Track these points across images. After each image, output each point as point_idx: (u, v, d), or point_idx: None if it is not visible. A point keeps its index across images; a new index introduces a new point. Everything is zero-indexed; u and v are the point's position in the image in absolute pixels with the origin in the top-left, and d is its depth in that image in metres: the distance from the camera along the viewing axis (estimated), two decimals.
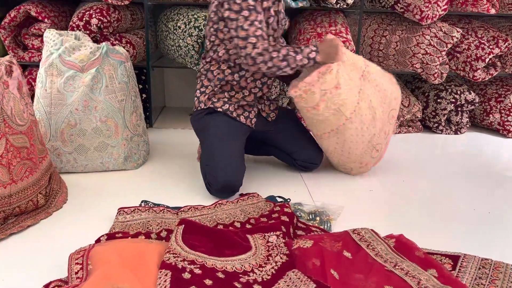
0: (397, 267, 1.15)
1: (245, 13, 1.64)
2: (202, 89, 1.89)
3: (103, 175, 2.01)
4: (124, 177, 2.00)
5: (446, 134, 2.79)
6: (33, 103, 1.93)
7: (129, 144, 2.05)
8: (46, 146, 1.79)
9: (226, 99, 1.86)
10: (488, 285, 1.14)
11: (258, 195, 1.73)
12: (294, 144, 2.02)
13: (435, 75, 2.63)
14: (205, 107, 1.86)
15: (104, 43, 1.96)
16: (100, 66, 1.92)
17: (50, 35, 1.95)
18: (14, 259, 1.32)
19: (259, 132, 1.98)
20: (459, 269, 1.20)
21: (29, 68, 2.60)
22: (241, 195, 1.74)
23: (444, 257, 1.25)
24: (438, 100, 2.76)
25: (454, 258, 1.24)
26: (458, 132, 2.78)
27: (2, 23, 2.41)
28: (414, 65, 2.65)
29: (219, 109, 1.84)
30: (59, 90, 1.89)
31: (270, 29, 1.81)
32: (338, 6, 2.54)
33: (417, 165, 2.26)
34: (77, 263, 1.15)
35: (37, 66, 2.44)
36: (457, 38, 2.59)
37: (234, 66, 1.82)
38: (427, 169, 2.20)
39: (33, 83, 2.46)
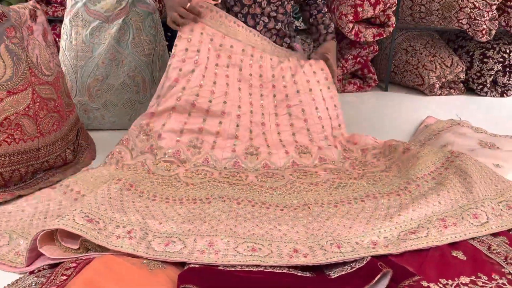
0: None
1: None
2: None
3: None
4: None
5: (491, 96, 2.60)
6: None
7: None
8: (72, 100, 1.71)
9: None
10: None
11: None
12: None
13: (483, 32, 2.42)
14: None
15: None
16: (126, 17, 1.81)
17: None
18: None
19: None
20: None
21: (53, 23, 2.50)
22: None
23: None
24: (484, 60, 2.55)
25: None
26: (505, 95, 2.59)
27: None
28: (460, 21, 2.44)
29: None
30: (84, 41, 1.79)
31: None
32: None
33: None
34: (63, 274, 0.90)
35: (61, 21, 2.34)
36: None
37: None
38: None
39: (57, 39, 2.37)
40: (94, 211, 1.05)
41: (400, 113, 2.34)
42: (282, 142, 1.61)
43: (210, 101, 1.57)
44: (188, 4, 1.55)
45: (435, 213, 1.12)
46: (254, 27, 1.73)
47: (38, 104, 1.37)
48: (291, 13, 1.87)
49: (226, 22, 1.65)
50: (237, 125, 1.59)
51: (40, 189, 1.35)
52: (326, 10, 1.84)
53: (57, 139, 1.48)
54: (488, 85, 2.58)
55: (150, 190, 1.30)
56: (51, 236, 0.99)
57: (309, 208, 1.22)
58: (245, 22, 1.72)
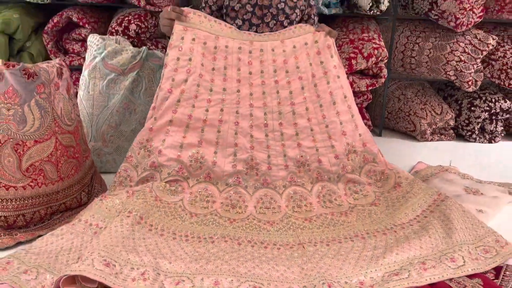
0: None
1: None
2: None
3: None
4: None
5: (479, 142, 2.75)
6: None
7: None
8: (88, 146, 1.85)
9: None
10: None
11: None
12: None
13: (469, 83, 2.61)
14: None
15: (144, 47, 2.03)
16: (140, 70, 1.99)
17: (94, 40, 2.02)
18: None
19: None
20: (503, 278, 1.19)
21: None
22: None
23: None
24: (472, 108, 2.72)
25: (497, 268, 1.23)
26: (492, 141, 2.74)
27: (45, 28, 2.51)
28: (448, 73, 2.63)
29: None
30: (101, 92, 1.96)
31: (229, 9, 1.83)
32: (371, 13, 2.54)
33: None
34: None
35: (77, 70, 2.53)
36: (493, 45, 2.56)
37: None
38: None
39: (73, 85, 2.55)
40: (110, 254, 1.17)
41: (393, 158, 2.45)
42: (284, 149, 1.66)
43: (207, 110, 1.65)
44: (170, 7, 1.67)
45: (417, 256, 1.23)
46: None
47: (59, 151, 1.52)
48: None
49: (216, 25, 1.72)
50: (236, 133, 1.66)
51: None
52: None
53: (75, 182, 1.61)
54: (477, 132, 2.74)
55: (158, 223, 1.42)
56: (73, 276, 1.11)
57: (303, 247, 1.34)
58: None
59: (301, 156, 1.68)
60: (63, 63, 1.59)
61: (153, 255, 1.22)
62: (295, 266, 1.22)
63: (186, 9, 1.71)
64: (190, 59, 1.65)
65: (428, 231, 1.34)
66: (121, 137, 2.01)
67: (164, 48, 2.62)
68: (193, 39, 1.68)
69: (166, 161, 1.61)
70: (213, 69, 1.68)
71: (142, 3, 2.44)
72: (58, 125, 1.51)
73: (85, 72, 2.01)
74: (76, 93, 2.33)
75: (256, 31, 1.86)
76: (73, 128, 1.61)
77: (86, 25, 2.51)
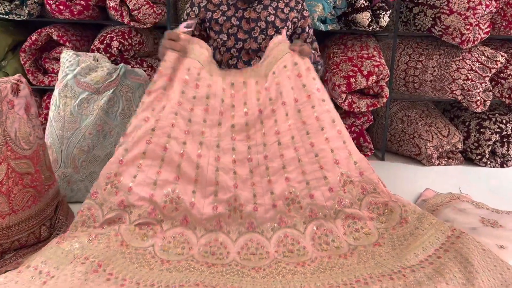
0: None
1: None
2: None
3: None
4: None
5: (490, 167, 2.53)
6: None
7: None
8: (55, 173, 1.65)
9: None
10: None
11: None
12: None
13: (478, 103, 2.42)
14: None
15: (122, 64, 1.85)
16: (117, 88, 1.81)
17: (67, 56, 1.85)
18: None
19: None
20: None
21: (48, 92, 2.52)
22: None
23: None
24: (481, 130, 2.52)
25: None
26: (505, 165, 2.52)
27: (23, 46, 2.35)
28: (454, 92, 2.45)
29: None
30: (72, 113, 1.78)
31: (213, 23, 1.73)
32: (370, 29, 2.38)
33: None
34: None
35: None
36: (502, 63, 2.38)
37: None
38: None
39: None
40: None
41: (397, 184, 2.25)
42: (271, 185, 1.44)
43: (184, 143, 1.44)
44: (182, 35, 1.52)
45: None
46: None
47: (12, 179, 1.31)
48: None
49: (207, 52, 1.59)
50: (217, 169, 1.44)
51: (6, 271, 1.25)
52: (318, 60, 1.80)
53: (31, 215, 1.40)
54: (487, 156, 2.53)
55: (120, 271, 1.19)
56: None
57: None
58: None
59: (290, 192, 1.45)
60: (22, 79, 1.41)
61: None
62: None
63: (195, 39, 1.58)
64: (173, 86, 1.49)
65: (445, 276, 1.11)
66: (95, 162, 1.80)
67: (150, 67, 2.45)
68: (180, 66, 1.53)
69: (137, 200, 1.37)
70: (194, 97, 1.49)
71: (126, 19, 2.29)
72: (10, 149, 1.31)
73: (55, 92, 1.83)
74: (41, 113, 2.15)
75: (242, 47, 1.72)
76: (32, 152, 1.41)
77: (67, 43, 2.35)
